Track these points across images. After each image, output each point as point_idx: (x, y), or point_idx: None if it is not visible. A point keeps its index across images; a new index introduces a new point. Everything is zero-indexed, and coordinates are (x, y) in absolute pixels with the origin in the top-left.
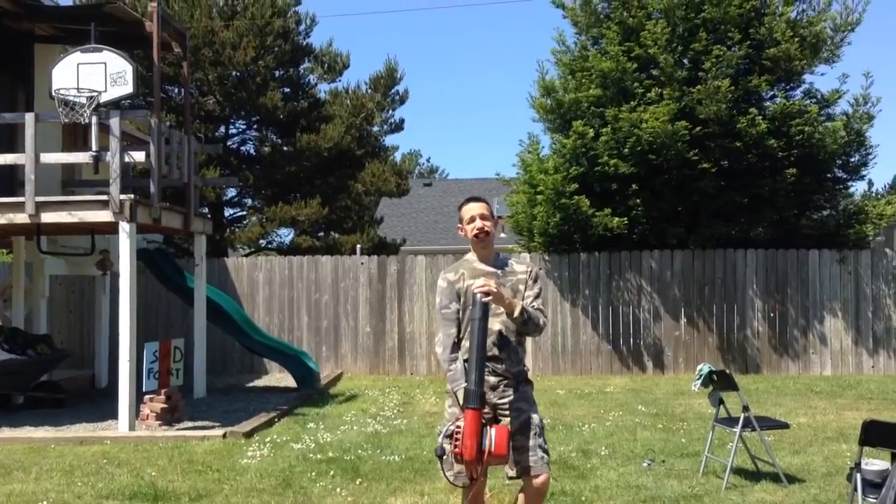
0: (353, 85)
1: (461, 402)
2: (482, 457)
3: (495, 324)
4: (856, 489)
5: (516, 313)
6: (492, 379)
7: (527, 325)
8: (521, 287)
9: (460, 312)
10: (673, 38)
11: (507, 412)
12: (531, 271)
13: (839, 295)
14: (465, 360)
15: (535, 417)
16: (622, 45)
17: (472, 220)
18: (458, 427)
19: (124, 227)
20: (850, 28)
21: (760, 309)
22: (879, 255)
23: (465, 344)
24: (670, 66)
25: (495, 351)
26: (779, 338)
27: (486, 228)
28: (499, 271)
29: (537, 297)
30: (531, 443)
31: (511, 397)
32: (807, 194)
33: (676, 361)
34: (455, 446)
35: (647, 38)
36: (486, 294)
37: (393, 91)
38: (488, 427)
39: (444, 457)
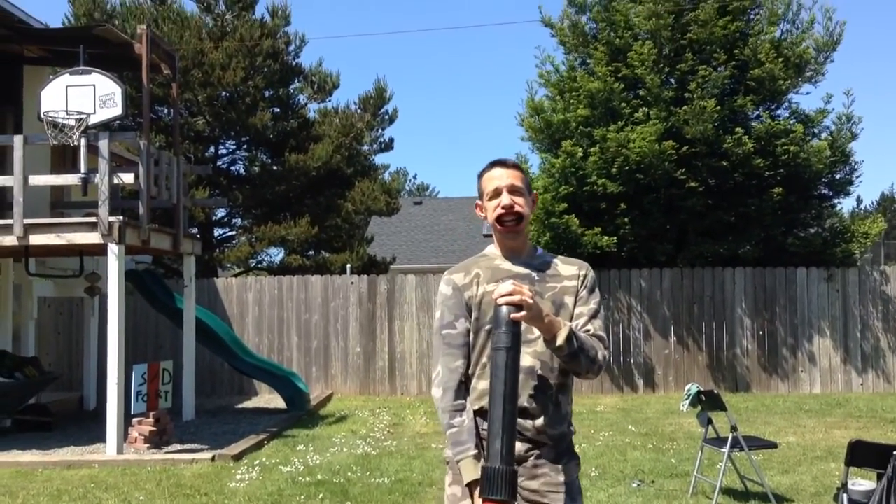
0: (342, 105)
1: (467, 482)
2: None
3: (525, 357)
4: None
5: (560, 340)
6: (517, 446)
7: (576, 359)
8: (569, 300)
9: (471, 335)
10: (659, 58)
11: None
12: (585, 277)
13: (827, 313)
14: (478, 412)
15: None
16: (609, 65)
17: (497, 193)
18: None
19: (113, 249)
20: (831, 48)
21: (749, 327)
22: (867, 274)
23: (479, 385)
24: (657, 87)
25: (523, 401)
26: (768, 356)
27: (516, 207)
28: (534, 274)
29: (594, 316)
30: None
31: (547, 480)
32: (793, 212)
33: (667, 380)
34: None
35: (634, 59)
36: (518, 307)
37: (382, 110)
38: None
39: None
